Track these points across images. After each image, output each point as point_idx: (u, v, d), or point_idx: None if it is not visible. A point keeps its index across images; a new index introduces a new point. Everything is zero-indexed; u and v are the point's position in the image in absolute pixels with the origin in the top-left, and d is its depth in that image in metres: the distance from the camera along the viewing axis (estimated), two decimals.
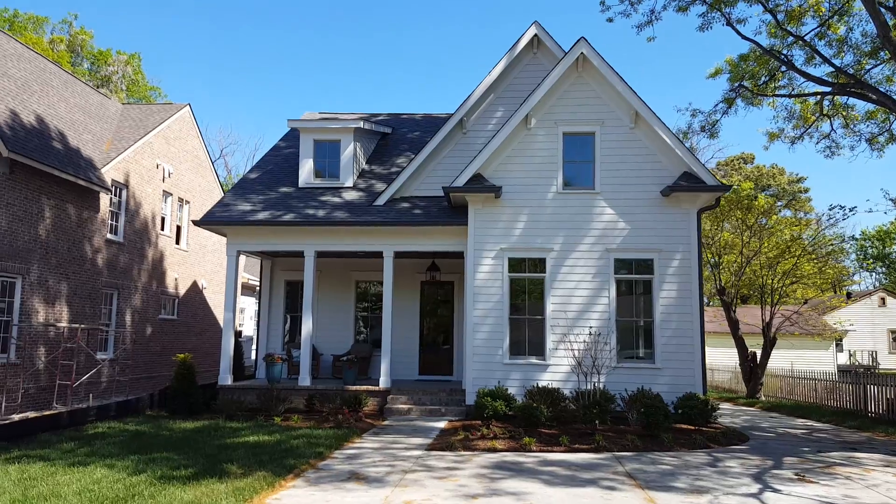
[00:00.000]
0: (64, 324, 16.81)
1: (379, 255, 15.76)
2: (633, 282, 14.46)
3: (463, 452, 10.13)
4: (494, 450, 10.34)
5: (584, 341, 13.81)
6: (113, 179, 19.20)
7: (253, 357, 27.99)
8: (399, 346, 16.87)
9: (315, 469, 8.65)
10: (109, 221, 19.28)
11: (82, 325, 17.22)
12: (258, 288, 24.28)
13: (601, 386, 13.21)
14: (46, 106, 18.23)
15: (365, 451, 10.09)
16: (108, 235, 19.14)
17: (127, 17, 73.91)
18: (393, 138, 19.52)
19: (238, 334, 21.81)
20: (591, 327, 14.03)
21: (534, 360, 14.29)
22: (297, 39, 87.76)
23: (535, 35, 15.99)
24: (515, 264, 14.63)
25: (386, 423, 13.30)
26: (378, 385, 15.09)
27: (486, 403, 12.92)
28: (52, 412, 14.18)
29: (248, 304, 31.53)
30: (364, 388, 15.03)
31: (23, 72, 18.34)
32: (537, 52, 16.20)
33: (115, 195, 19.63)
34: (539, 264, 14.60)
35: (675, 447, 10.76)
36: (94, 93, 22.98)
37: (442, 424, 13.04)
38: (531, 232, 14.61)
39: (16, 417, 13.94)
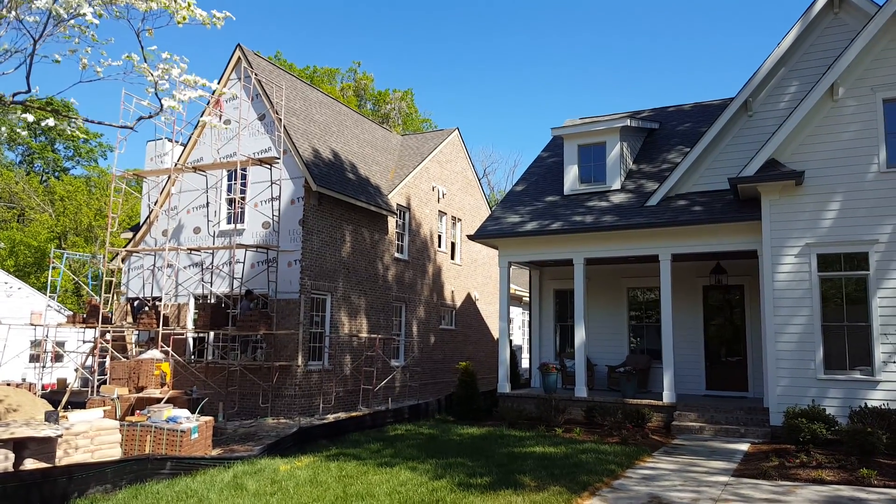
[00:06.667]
0: (364, 334, 18.89)
1: (652, 259, 14.70)
2: None
3: (781, 482, 8.66)
4: (822, 481, 8.66)
5: None
6: (398, 203, 21.20)
7: (525, 365, 28.54)
8: (681, 358, 15.48)
9: (610, 488, 8.09)
10: (396, 242, 21.28)
11: (379, 336, 19.19)
12: (527, 298, 24.67)
13: None
14: (342, 143, 20.87)
15: (661, 472, 9.22)
16: (396, 254, 21.13)
17: (398, 57, 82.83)
18: (661, 133, 18.22)
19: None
20: None
21: (858, 375, 11.88)
22: (542, 50, 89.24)
23: None
24: (826, 262, 12.36)
25: (676, 441, 12.20)
26: (661, 399, 13.99)
27: (801, 425, 11.00)
28: (357, 413, 15.92)
29: (515, 315, 32.56)
30: (646, 402, 14.08)
31: (324, 116, 21.28)
32: (839, 11, 13.62)
33: (400, 217, 21.62)
34: (859, 260, 12.12)
35: None
36: (378, 128, 25.78)
37: (744, 447, 11.50)
38: (846, 222, 12.21)
39: (330, 417, 15.93)
